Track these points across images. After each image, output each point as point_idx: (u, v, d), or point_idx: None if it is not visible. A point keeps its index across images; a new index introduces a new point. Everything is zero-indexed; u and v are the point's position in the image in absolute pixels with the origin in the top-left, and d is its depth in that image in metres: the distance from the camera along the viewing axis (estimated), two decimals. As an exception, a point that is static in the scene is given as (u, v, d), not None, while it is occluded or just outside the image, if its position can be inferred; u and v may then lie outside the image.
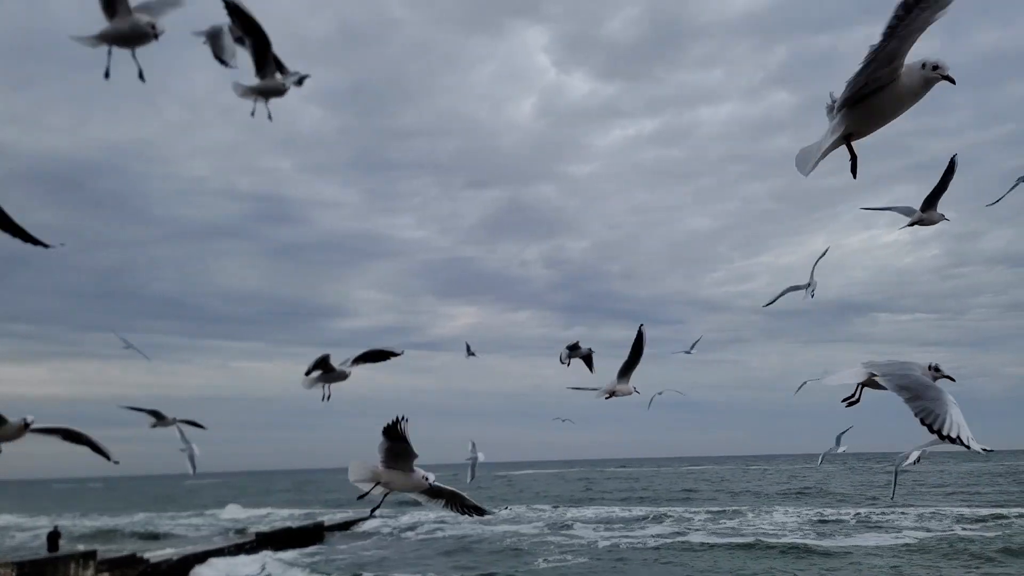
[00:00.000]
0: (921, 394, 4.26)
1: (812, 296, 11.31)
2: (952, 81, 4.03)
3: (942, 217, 8.06)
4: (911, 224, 8.24)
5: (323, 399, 8.69)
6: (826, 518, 49.27)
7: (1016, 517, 45.62)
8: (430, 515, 63.87)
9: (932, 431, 4.10)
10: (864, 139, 4.70)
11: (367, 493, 6.73)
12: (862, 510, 52.62)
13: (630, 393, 8.70)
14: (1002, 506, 52.22)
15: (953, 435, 4.04)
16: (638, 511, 58.88)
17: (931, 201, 8.02)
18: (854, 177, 4.57)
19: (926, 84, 4.03)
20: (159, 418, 11.19)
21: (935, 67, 3.97)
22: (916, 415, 4.18)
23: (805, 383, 12.45)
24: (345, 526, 56.32)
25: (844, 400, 5.64)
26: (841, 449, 15.12)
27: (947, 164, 7.63)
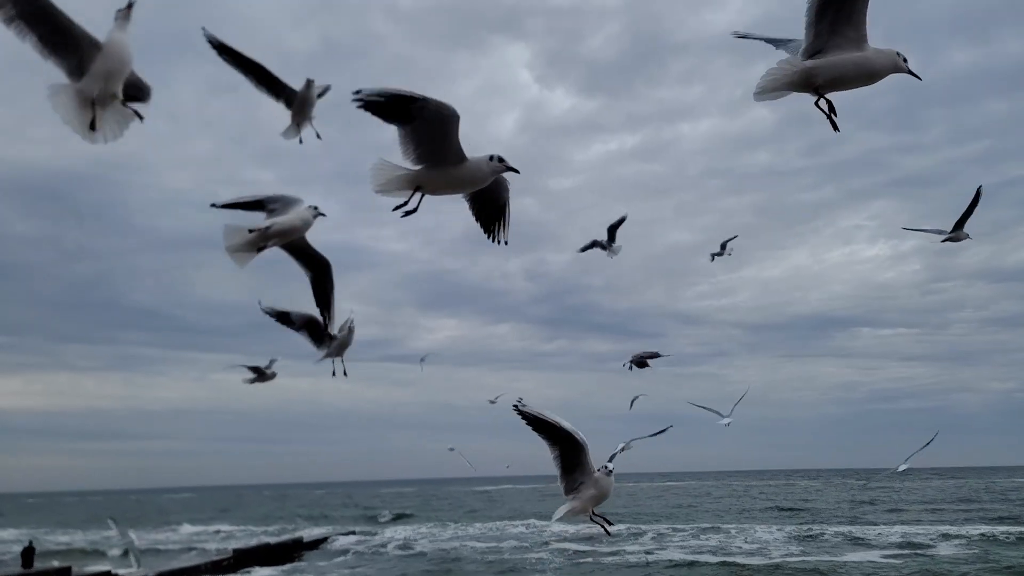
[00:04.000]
0: None
1: (612, 256, 12.17)
2: (917, 77, 4.69)
3: (967, 236, 8.99)
4: (944, 241, 9.05)
5: (338, 374, 8.55)
6: (810, 535, 49.26)
7: (1001, 535, 45.79)
8: (406, 531, 63.40)
9: None
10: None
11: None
12: (845, 527, 52.70)
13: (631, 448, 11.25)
14: (987, 524, 52.50)
15: None
16: (617, 527, 58.70)
17: (960, 224, 8.96)
18: (836, 130, 4.99)
19: (894, 69, 4.63)
20: (259, 374, 10.84)
21: (905, 59, 4.64)
22: None
23: (637, 398, 12.99)
24: (324, 541, 55.79)
25: None
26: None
27: (974, 194, 8.64)
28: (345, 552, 51.63)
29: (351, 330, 8.41)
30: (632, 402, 13.38)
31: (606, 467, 6.94)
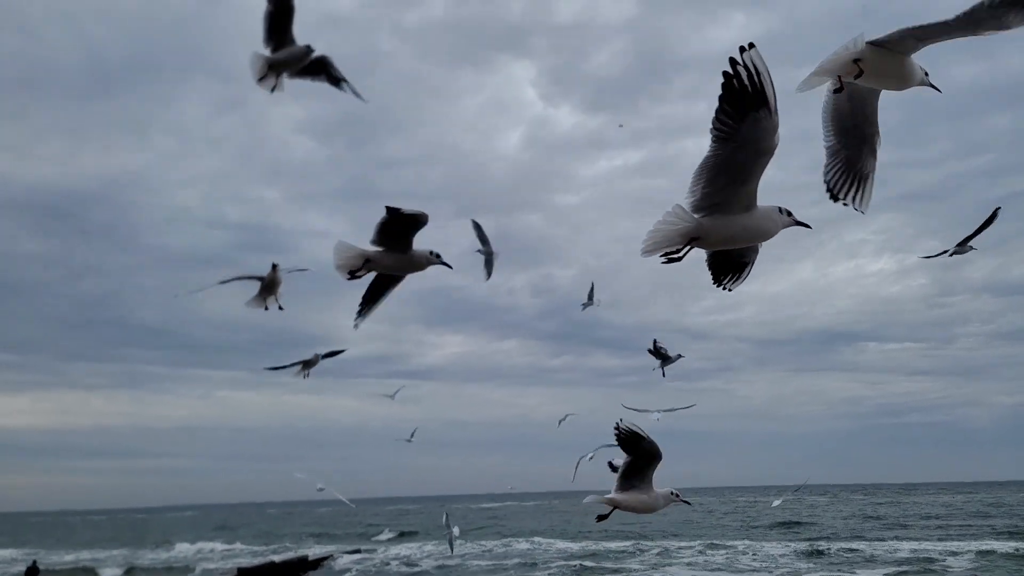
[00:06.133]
0: None
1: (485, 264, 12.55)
2: (937, 89, 4.90)
3: (971, 248, 9.62)
4: (950, 255, 9.81)
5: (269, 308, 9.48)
6: (817, 551, 48.76)
7: (1012, 550, 45.18)
8: (410, 548, 63.06)
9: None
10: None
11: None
12: (853, 543, 52.23)
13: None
14: (996, 539, 51.95)
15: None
16: (621, 544, 58.28)
17: (966, 240, 9.64)
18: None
19: (920, 82, 4.81)
20: (306, 364, 11.02)
21: (926, 73, 4.80)
22: None
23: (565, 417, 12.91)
24: (328, 559, 55.52)
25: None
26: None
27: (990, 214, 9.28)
28: (348, 570, 51.37)
29: (274, 267, 9.27)
30: (560, 421, 13.23)
31: (675, 492, 7.12)
